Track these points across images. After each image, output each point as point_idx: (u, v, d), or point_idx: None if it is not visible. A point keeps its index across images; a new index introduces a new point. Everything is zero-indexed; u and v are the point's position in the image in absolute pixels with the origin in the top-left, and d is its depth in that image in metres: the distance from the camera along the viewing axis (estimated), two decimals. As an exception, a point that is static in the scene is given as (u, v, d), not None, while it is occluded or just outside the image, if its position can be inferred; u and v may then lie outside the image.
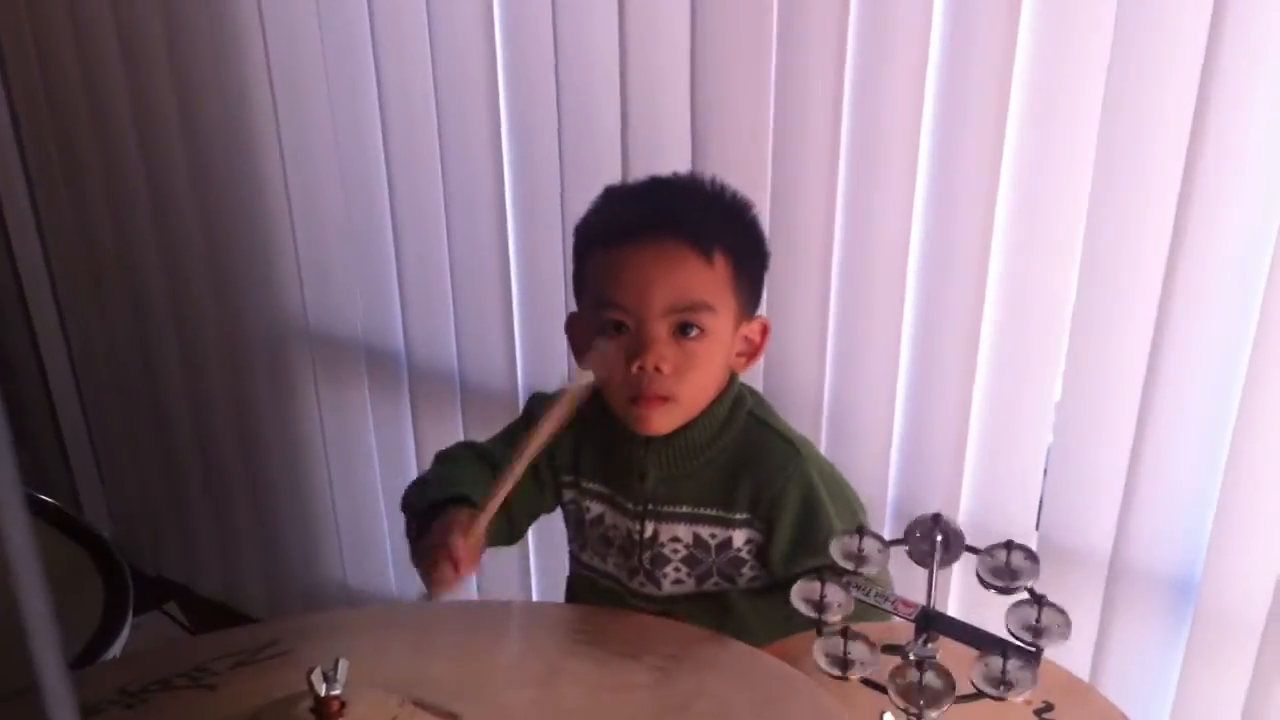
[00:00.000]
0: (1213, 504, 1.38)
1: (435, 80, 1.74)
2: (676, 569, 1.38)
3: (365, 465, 2.09)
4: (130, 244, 2.13)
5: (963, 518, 1.56)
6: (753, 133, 1.51)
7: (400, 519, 2.01)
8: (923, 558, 0.98)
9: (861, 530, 0.99)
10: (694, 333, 1.28)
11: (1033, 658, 0.90)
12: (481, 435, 1.90)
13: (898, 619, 0.98)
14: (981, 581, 0.95)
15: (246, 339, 2.08)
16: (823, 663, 0.92)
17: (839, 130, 1.46)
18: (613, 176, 1.62)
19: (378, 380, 2.02)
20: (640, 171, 1.59)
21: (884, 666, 0.92)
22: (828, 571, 0.97)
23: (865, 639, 0.92)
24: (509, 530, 1.45)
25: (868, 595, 0.98)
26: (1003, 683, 0.89)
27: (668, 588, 1.39)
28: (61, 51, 2.06)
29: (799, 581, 0.98)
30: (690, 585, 1.38)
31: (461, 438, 1.94)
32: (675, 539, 1.37)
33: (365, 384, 2.03)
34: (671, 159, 1.56)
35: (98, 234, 2.16)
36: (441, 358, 1.91)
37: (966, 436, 1.52)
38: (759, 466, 1.34)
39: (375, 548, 2.15)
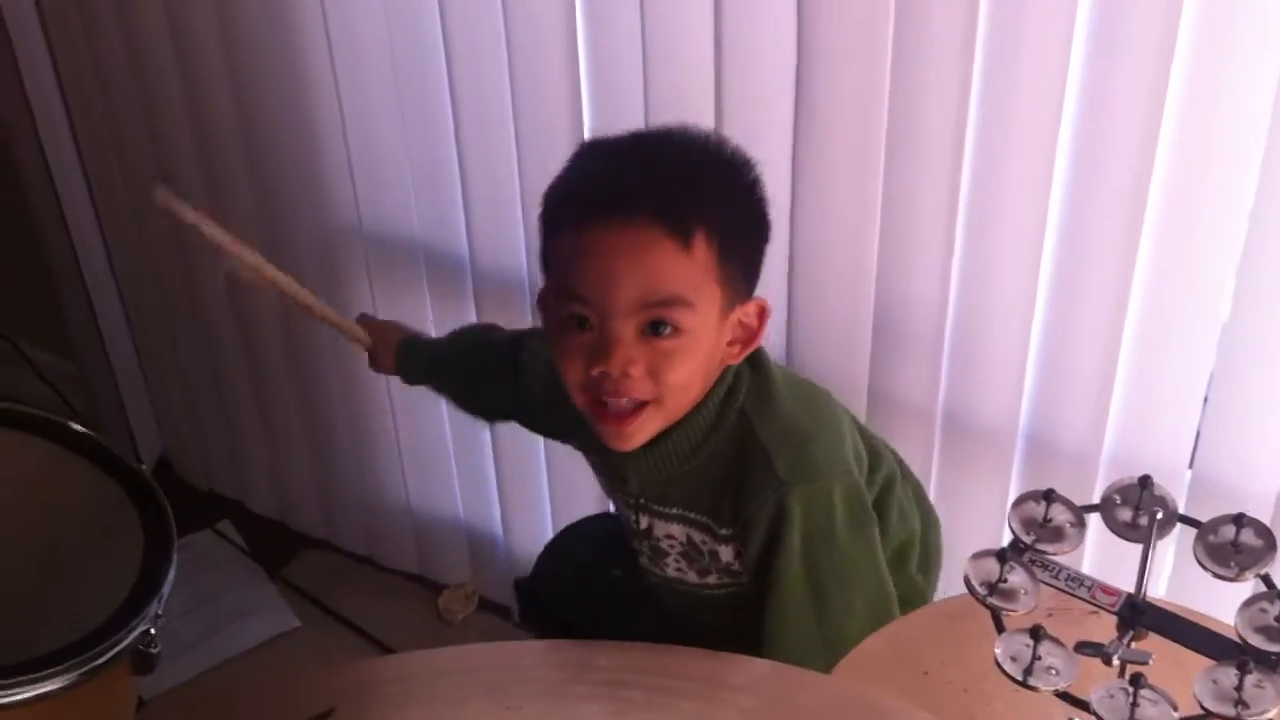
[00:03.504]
0: None
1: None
2: (676, 561, 1.26)
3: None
4: (165, 137, 1.95)
5: (1105, 448, 1.38)
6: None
7: (464, 437, 1.92)
8: (1124, 530, 0.80)
9: (1049, 495, 0.81)
10: (667, 331, 1.08)
11: (1273, 667, 0.72)
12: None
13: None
14: (1201, 563, 0.77)
15: (293, 239, 1.91)
16: (1007, 668, 0.75)
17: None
18: (704, 52, 1.41)
19: (439, 285, 1.84)
20: (734, 52, 1.38)
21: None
22: (1009, 549, 0.79)
23: (1058, 639, 0.75)
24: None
25: (1057, 577, 0.80)
26: (1238, 701, 0.71)
27: (672, 573, 1.28)
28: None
29: (970, 559, 0.80)
30: (693, 577, 1.26)
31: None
32: (670, 536, 1.24)
33: (425, 289, 1.86)
34: (773, 33, 1.34)
35: (131, 131, 1.98)
36: (508, 260, 1.73)
37: (1117, 357, 1.32)
38: (737, 481, 1.17)
39: (439, 467, 2.00)
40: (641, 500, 1.26)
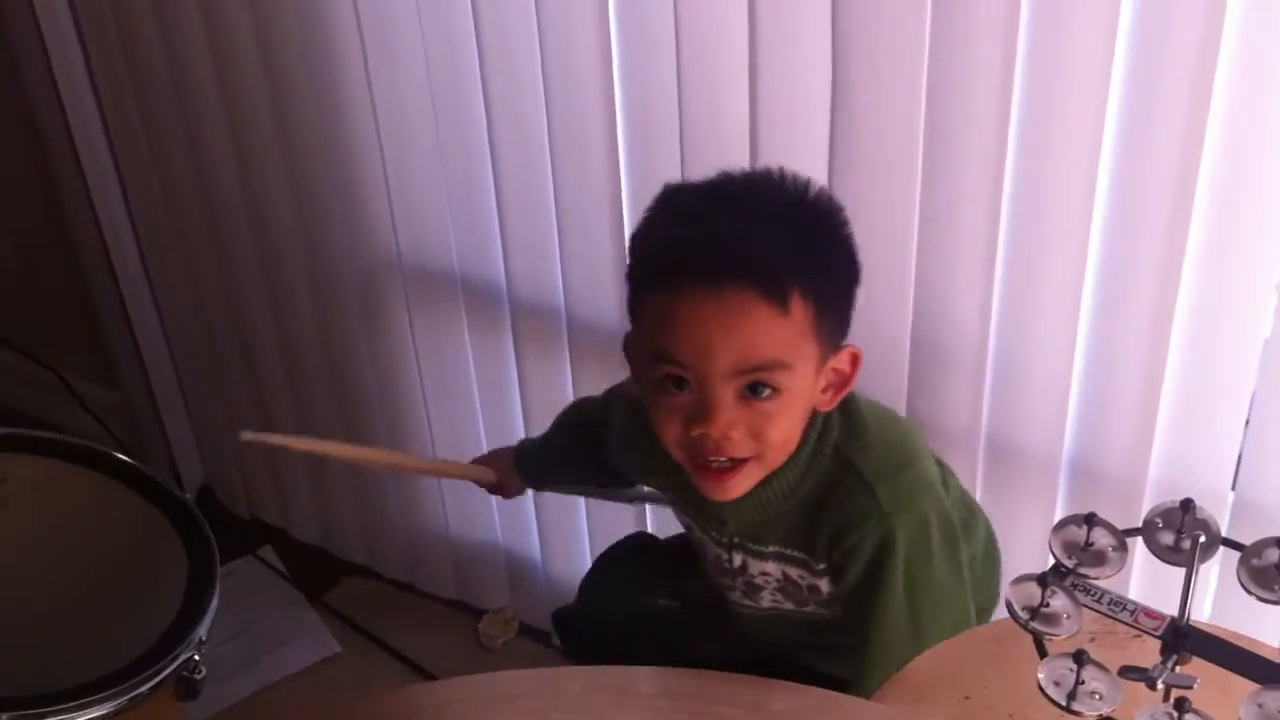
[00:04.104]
0: None
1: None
2: (772, 595, 1.26)
3: (466, 406, 1.94)
4: (208, 174, 1.98)
5: (1149, 472, 1.36)
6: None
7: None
8: (1166, 554, 0.79)
9: (1091, 519, 0.81)
10: (766, 393, 1.08)
11: (1321, 690, 0.72)
12: (589, 374, 1.77)
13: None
14: (1245, 586, 0.77)
15: (335, 272, 1.93)
16: (1050, 692, 0.75)
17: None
18: (739, 88, 1.41)
19: (477, 315, 1.86)
20: (774, 79, 1.39)
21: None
22: (1050, 573, 0.79)
23: (1101, 664, 0.75)
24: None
25: (1099, 601, 0.80)
26: (1287, 724, 0.71)
27: (767, 606, 1.28)
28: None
29: (1011, 584, 0.80)
30: (791, 606, 1.26)
31: (569, 377, 1.79)
32: (765, 573, 1.24)
33: (463, 320, 1.87)
34: (808, 53, 1.35)
35: (174, 166, 2.01)
36: (546, 291, 1.74)
37: (1160, 380, 1.31)
38: (836, 514, 1.16)
39: (478, 493, 1.98)
40: (737, 540, 1.25)
